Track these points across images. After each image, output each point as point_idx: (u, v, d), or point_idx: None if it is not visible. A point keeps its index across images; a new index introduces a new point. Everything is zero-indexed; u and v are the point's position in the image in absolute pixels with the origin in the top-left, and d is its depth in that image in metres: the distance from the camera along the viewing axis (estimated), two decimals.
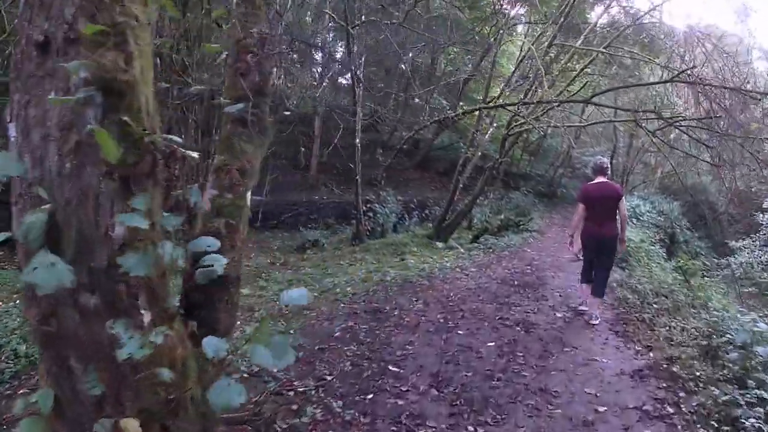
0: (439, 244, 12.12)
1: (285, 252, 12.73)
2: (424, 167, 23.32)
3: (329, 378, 4.40)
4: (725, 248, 22.23)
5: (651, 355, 5.20)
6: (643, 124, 9.92)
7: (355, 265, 10.17)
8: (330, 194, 19.36)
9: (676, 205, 21.16)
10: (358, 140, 12.11)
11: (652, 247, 13.01)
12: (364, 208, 14.06)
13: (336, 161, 22.44)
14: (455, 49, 23.25)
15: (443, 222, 12.78)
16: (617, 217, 6.28)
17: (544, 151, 25.99)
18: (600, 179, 6.38)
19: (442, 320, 6.26)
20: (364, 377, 4.46)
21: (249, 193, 2.90)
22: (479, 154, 14.02)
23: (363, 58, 11.95)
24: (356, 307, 6.82)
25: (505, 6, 13.72)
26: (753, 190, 23.16)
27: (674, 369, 4.67)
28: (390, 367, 4.69)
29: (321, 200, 17.63)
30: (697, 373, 4.44)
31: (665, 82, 9.71)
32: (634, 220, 17.41)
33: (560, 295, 7.84)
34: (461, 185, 14.78)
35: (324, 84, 21.30)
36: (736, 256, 17.96)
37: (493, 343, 5.38)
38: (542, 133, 23.97)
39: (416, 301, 7.25)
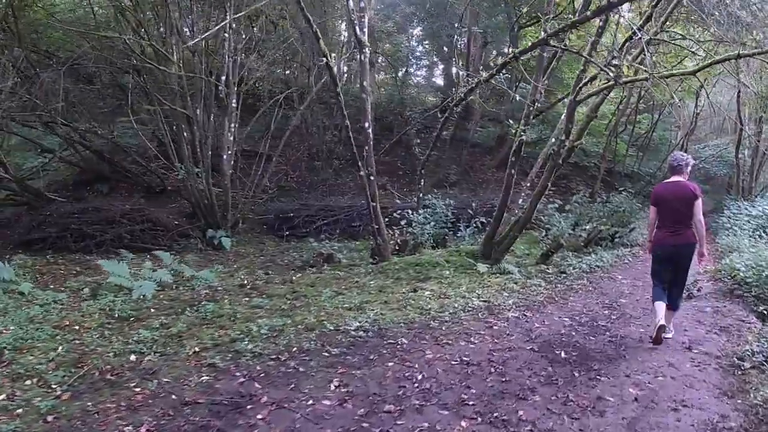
0: (482, 267, 8.20)
1: (283, 270, 9.41)
2: (504, 167, 19.00)
3: None
4: None
5: None
6: None
7: (342, 296, 6.93)
8: (386, 197, 15.80)
9: None
10: (367, 123, 8.53)
11: None
12: (397, 215, 10.48)
13: (399, 160, 18.99)
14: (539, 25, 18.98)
15: (493, 236, 8.83)
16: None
17: (655, 145, 20.64)
18: (675, 178, 5.14)
19: None
20: None
21: None
22: (552, 140, 9.95)
23: (366, 15, 8.35)
24: (194, 399, 3.46)
25: None
26: None
27: None
28: None
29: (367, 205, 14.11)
30: None
31: None
32: None
33: (640, 403, 3.71)
34: (528, 183, 10.88)
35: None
36: None
37: None
38: (651, 114, 19.03)
39: (335, 388, 3.82)
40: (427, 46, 22.72)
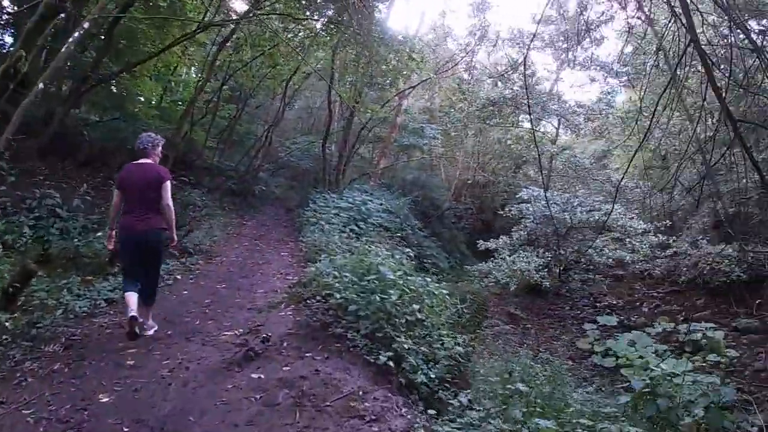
0: None
1: None
2: (52, 153, 13.97)
3: None
4: (456, 245, 18.75)
5: None
6: None
7: None
8: None
9: (404, 201, 16.39)
10: None
11: (424, 281, 5.82)
12: None
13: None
14: None
15: None
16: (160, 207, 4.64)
17: (240, 138, 18.88)
18: (142, 161, 4.72)
19: None
20: None
21: None
22: None
23: None
24: None
25: None
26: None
27: None
28: None
29: None
30: None
31: None
32: (361, 224, 12.14)
33: None
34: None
35: None
36: (495, 259, 13.86)
37: None
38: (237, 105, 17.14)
39: None
40: None
